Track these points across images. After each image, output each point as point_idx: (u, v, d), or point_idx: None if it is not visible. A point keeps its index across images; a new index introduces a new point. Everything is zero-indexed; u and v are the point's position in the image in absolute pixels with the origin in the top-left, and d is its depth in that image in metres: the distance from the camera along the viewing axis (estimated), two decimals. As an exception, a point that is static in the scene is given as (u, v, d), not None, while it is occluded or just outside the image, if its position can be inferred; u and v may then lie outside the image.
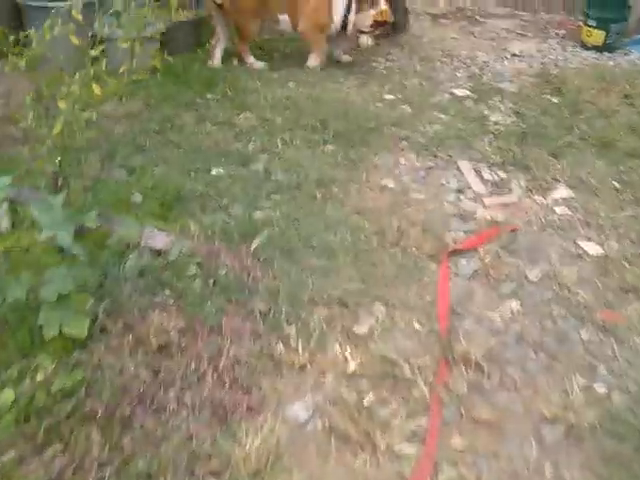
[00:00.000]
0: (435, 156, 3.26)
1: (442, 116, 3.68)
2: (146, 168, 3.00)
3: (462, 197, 2.94)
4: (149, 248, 2.39)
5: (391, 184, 3.00)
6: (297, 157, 3.15)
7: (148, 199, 2.71)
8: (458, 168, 3.17)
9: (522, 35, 5.21)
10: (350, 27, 4.07)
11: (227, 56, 4.32)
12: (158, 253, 2.38)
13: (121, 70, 2.56)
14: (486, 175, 3.11)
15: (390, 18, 4.11)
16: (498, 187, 3.02)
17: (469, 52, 4.75)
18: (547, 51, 4.86)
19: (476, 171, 3.14)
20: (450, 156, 3.27)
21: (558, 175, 3.08)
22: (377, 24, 4.04)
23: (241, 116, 3.55)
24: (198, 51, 4.32)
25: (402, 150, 3.31)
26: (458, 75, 4.30)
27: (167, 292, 2.18)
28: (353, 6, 4.01)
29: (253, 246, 2.42)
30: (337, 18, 4.06)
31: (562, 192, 2.98)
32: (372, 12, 3.99)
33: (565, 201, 2.91)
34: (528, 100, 3.88)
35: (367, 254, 2.48)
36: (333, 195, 2.85)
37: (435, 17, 5.63)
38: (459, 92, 3.99)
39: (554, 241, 2.64)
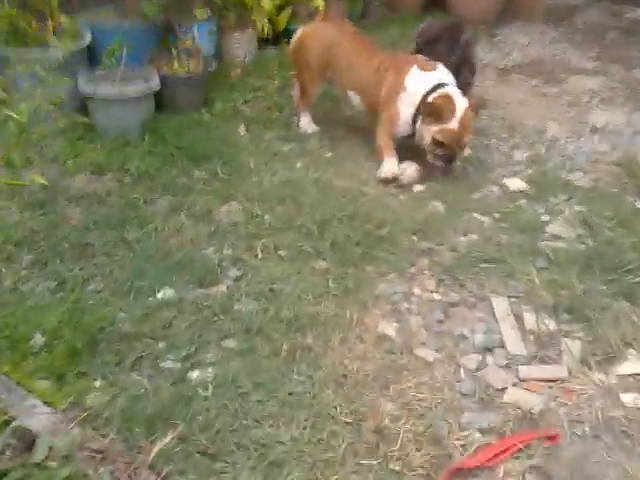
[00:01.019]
0: (462, 286, 2.48)
1: (483, 220, 2.88)
2: (78, 283, 2.38)
3: (489, 360, 2.15)
4: (22, 430, 1.75)
5: (392, 331, 2.25)
6: (276, 277, 2.45)
7: (55, 340, 2.07)
8: (491, 309, 2.37)
9: (609, 101, 4.31)
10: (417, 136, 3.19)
11: (231, 123, 3.67)
12: (32, 441, 1.73)
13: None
14: (529, 324, 2.30)
15: (459, 145, 3.09)
16: (543, 347, 2.21)
17: (537, 123, 3.92)
18: (639, 125, 3.95)
19: (515, 316, 2.34)
20: (482, 286, 2.48)
21: (630, 335, 2.24)
22: (437, 144, 3.07)
23: (224, 207, 2.89)
24: (202, 111, 3.69)
25: (419, 273, 2.54)
26: (516, 158, 3.48)
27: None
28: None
29: (157, 447, 1.72)
30: (403, 117, 3.21)
31: (634, 366, 2.13)
32: (434, 127, 3.05)
33: (637, 382, 2.07)
34: (603, 202, 3.03)
35: (327, 468, 1.74)
36: (306, 348, 2.13)
37: (504, 72, 4.81)
38: (512, 184, 3.18)
39: (614, 461, 1.82)
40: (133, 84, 3.37)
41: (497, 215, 2.92)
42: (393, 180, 3.10)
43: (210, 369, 2.02)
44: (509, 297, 2.43)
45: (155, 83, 3.44)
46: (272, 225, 2.75)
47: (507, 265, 2.56)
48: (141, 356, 2.06)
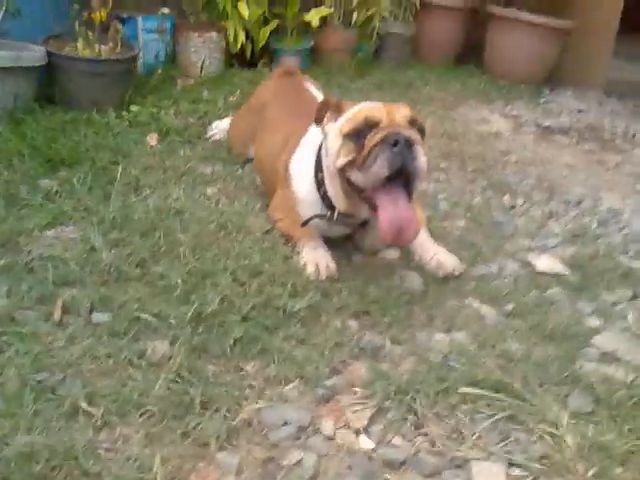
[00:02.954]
0: (418, 428, 1.30)
1: (483, 311, 1.72)
2: None
3: None
4: None
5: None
6: (97, 381, 1.30)
7: None
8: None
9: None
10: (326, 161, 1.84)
11: (144, 129, 2.63)
12: None
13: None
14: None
15: (392, 122, 1.66)
16: None
17: (587, 189, 2.80)
18: None
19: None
20: (457, 434, 1.29)
21: None
22: (350, 136, 1.70)
23: (51, 232, 1.79)
24: (109, 112, 2.64)
25: (346, 390, 1.37)
26: (552, 229, 2.34)
27: None
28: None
29: None
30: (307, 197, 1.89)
31: None
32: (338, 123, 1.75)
33: None
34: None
35: None
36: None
37: (547, 131, 3.74)
38: (542, 263, 2.02)
39: None
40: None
41: (509, 307, 1.75)
42: (331, 278, 1.76)
43: None
44: (510, 465, 1.23)
45: (29, 56, 2.43)
46: (111, 269, 1.63)
47: (511, 398, 1.37)
48: None
